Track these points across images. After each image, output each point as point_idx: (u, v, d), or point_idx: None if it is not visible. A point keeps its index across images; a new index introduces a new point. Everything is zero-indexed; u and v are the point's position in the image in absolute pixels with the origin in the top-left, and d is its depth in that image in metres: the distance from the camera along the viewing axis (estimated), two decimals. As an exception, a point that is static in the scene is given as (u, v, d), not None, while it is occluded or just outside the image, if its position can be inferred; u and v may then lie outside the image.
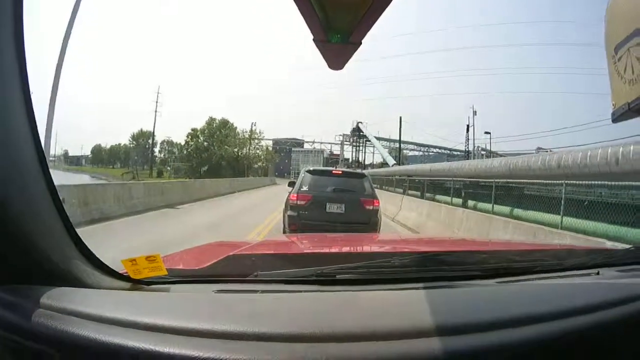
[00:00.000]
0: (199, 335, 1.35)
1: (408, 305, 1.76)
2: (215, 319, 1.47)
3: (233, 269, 2.34)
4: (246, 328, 1.40)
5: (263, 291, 2.00)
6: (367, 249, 4.17)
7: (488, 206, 18.14)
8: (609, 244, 8.93)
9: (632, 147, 10.59)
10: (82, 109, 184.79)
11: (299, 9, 1.99)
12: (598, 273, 2.43)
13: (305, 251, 3.72)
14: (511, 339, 1.47)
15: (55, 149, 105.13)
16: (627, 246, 3.45)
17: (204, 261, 2.41)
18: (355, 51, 2.35)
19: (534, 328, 1.53)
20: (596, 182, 13.55)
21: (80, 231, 1.74)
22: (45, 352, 1.36)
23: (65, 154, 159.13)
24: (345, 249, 3.89)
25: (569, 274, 2.44)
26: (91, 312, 1.44)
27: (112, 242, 11.78)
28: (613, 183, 12.89)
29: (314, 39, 2.25)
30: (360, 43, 2.26)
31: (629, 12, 2.11)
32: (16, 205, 1.46)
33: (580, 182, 13.80)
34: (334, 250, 3.76)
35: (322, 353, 1.30)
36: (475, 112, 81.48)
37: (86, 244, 1.76)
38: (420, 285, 2.09)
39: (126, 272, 1.90)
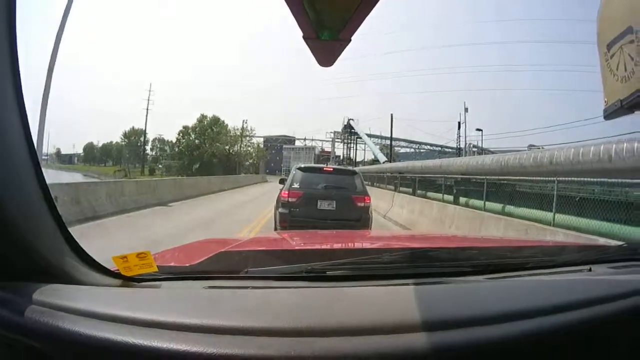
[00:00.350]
0: (188, 330, 1.37)
1: (397, 300, 1.78)
2: (205, 314, 1.49)
3: (223, 266, 2.36)
4: (234, 323, 1.42)
5: (253, 287, 2.00)
6: (357, 245, 4.16)
7: (480, 203, 18.16)
8: (602, 241, 8.94)
9: (625, 145, 10.69)
10: (74, 107, 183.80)
11: (289, 6, 1.99)
12: (590, 269, 2.43)
13: (295, 248, 3.72)
14: (501, 334, 1.49)
15: (47, 148, 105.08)
16: (620, 243, 3.46)
17: (195, 258, 2.42)
18: (345, 48, 2.34)
19: (525, 323, 1.55)
20: (589, 180, 13.62)
21: (73, 230, 1.75)
22: (38, 347, 1.38)
23: (58, 152, 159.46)
24: (336, 246, 3.90)
25: (561, 271, 2.43)
26: (83, 308, 1.46)
27: (104, 240, 11.72)
28: (606, 180, 12.96)
29: (303, 36, 2.25)
30: (350, 40, 2.25)
31: (622, 9, 2.11)
32: (8, 203, 1.46)
33: (573, 179, 13.86)
34: (324, 246, 3.76)
35: (310, 347, 1.32)
36: (467, 109, 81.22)
37: (78, 242, 1.76)
38: (410, 281, 2.10)
39: (117, 269, 1.91)
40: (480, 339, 1.45)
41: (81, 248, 1.77)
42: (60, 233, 1.68)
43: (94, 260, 1.82)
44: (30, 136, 1.55)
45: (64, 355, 1.38)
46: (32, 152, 1.56)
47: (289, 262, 2.27)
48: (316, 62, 2.59)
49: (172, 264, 2.61)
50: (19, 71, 1.49)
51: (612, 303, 1.74)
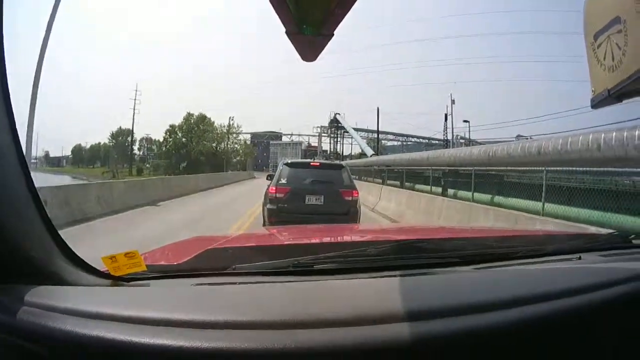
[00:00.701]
0: (175, 325, 1.39)
1: (384, 291, 1.78)
2: (191, 310, 1.51)
3: (211, 263, 2.35)
4: (220, 317, 1.43)
5: (240, 283, 2.02)
6: (346, 238, 4.22)
7: (468, 194, 18.28)
8: (592, 230, 8.99)
9: (614, 134, 10.73)
10: (62, 109, 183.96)
11: (271, 1, 1.99)
12: (580, 258, 2.44)
13: (283, 243, 3.74)
14: (488, 323, 1.50)
15: (36, 151, 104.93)
16: (610, 231, 3.48)
17: (183, 256, 2.43)
18: (327, 42, 2.35)
19: (512, 312, 1.56)
20: (579, 169, 13.70)
21: (63, 232, 1.76)
22: (31, 349, 1.39)
23: (46, 155, 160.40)
24: (324, 240, 3.92)
25: (550, 259, 2.44)
26: (74, 307, 1.46)
27: (95, 241, 11.66)
28: (597, 169, 13.05)
29: (286, 32, 2.25)
30: (333, 34, 2.26)
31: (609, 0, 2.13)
32: (10, 212, 1.47)
33: (562, 168, 13.95)
34: (312, 241, 3.78)
35: (293, 339, 1.34)
36: (454, 100, 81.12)
37: (68, 244, 1.76)
38: (397, 272, 2.11)
39: (107, 270, 1.91)
40: (467, 328, 1.46)
41: (70, 250, 1.77)
42: (49, 235, 1.68)
43: (84, 261, 1.83)
44: (18, 139, 1.55)
45: (57, 355, 1.39)
46: (20, 156, 1.56)
47: (277, 258, 2.27)
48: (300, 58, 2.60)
49: (161, 262, 2.62)
50: (5, 73, 1.48)
51: (601, 291, 1.75)
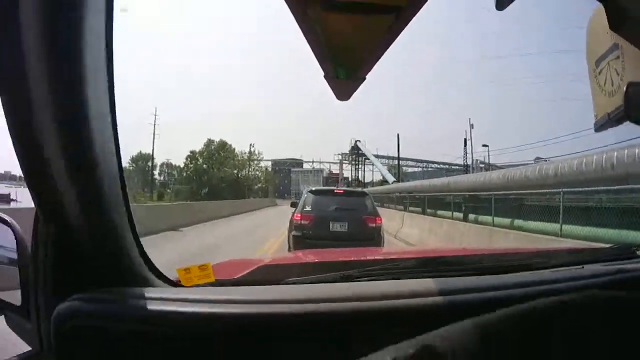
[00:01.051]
0: (255, 302, 1.70)
1: (411, 287, 1.98)
2: (263, 294, 1.82)
3: (266, 277, 2.58)
4: (285, 297, 1.77)
5: None
6: (378, 257, 4.47)
7: (489, 219, 18.27)
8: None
9: (626, 151, 10.83)
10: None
11: (312, 49, 2.19)
12: (582, 268, 2.60)
13: (327, 260, 3.99)
14: (490, 298, 1.79)
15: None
16: (614, 245, 3.61)
17: (237, 272, 2.64)
18: (361, 84, 2.54)
19: (507, 292, 1.84)
20: (596, 189, 13.75)
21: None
22: (160, 332, 1.62)
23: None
24: (361, 258, 4.16)
25: (555, 270, 2.61)
26: (178, 296, 1.72)
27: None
28: (612, 188, 13.10)
29: (324, 76, 2.45)
30: (365, 78, 2.45)
31: (608, 26, 2.27)
32: (111, 221, 1.68)
33: (579, 189, 14.01)
34: (352, 258, 4.00)
35: (342, 308, 1.67)
36: (472, 125, 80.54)
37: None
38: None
39: (178, 279, 2.07)
40: (477, 299, 1.78)
41: (149, 259, 1.93)
42: (136, 244, 1.85)
43: (161, 272, 1.99)
44: (119, 148, 1.66)
45: (182, 332, 1.61)
46: (120, 163, 1.69)
47: (322, 272, 2.45)
48: (331, 95, 2.80)
49: (220, 276, 2.82)
50: (113, 84, 1.60)
51: (596, 279, 2.02)
